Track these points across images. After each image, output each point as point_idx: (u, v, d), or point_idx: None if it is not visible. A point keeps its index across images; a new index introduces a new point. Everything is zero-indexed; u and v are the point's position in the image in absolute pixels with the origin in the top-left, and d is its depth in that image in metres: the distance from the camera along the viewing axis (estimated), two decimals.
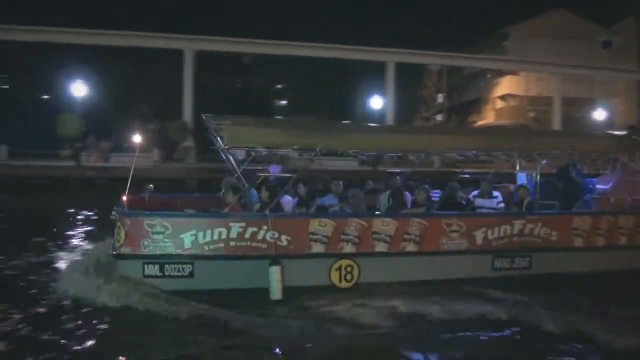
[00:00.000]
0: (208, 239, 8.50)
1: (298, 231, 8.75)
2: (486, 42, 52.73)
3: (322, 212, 9.44)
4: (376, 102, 51.63)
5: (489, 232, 9.47)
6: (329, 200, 10.32)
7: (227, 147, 8.75)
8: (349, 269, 8.93)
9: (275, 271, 8.26)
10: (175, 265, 8.49)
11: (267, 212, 8.66)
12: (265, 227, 8.58)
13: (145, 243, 8.39)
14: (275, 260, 8.32)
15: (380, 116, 50.75)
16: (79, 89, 46.54)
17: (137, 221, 8.44)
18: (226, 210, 8.81)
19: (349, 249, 8.91)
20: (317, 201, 10.20)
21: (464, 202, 10.00)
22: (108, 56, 50.46)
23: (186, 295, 8.31)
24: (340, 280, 8.92)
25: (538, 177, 10.95)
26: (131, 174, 9.59)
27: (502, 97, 53.12)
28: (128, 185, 9.61)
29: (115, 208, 8.78)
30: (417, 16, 59.93)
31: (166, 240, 8.42)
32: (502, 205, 10.85)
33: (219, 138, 8.83)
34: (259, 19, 57.41)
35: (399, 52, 47.47)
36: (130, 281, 8.46)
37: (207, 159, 31.25)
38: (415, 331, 7.66)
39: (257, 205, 9.08)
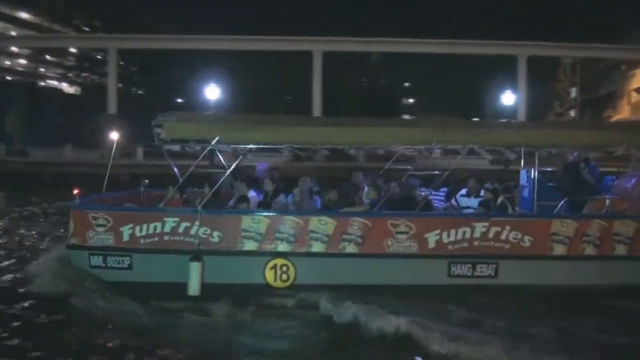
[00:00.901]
0: (144, 232, 8.69)
1: (230, 227, 8.63)
2: (620, 32, 47.67)
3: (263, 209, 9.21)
4: (508, 98, 49.33)
5: (444, 234, 8.58)
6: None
7: (163, 141, 8.90)
8: (284, 268, 8.62)
9: (195, 267, 8.23)
10: (116, 258, 8.77)
11: (199, 207, 8.66)
12: (197, 223, 8.58)
13: (90, 235, 8.78)
14: (196, 256, 8.29)
15: (512, 112, 48.55)
16: (212, 91, 49.77)
17: (83, 214, 8.86)
18: (162, 205, 8.94)
19: (283, 247, 8.60)
20: (281, 197, 9.94)
21: (419, 200, 9.14)
22: (240, 60, 53.40)
23: (125, 286, 8.65)
24: (275, 280, 8.65)
25: (536, 174, 9.78)
26: (108, 170, 10.12)
27: (638, 90, 47.68)
28: (105, 180, 10.16)
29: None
30: (547, 6, 55.72)
31: (107, 232, 8.74)
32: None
33: (157, 133, 8.97)
34: (384, 17, 57.02)
35: (530, 45, 44.95)
36: (75, 272, 8.93)
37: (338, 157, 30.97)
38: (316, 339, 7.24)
39: (198, 200, 9.09)
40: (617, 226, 8.75)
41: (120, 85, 47.22)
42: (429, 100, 62.29)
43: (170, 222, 8.64)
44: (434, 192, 11.18)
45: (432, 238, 8.57)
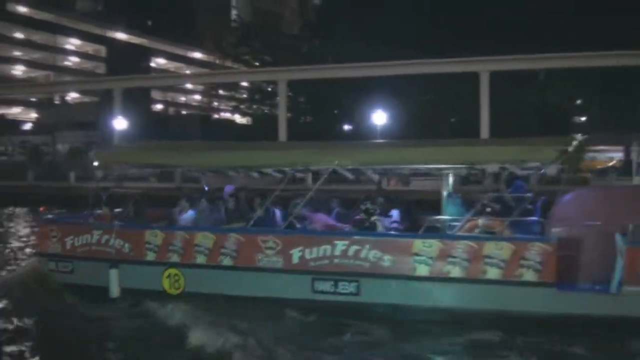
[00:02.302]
0: (80, 242, 10.41)
1: (137, 240, 9.93)
2: None
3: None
4: None
5: (307, 251, 8.83)
6: None
7: (96, 167, 10.59)
8: (176, 277, 9.64)
9: (113, 273, 9.70)
10: (63, 263, 10.62)
11: (116, 222, 10.11)
12: (114, 236, 10.04)
13: (48, 244, 10.77)
14: (114, 264, 9.74)
15: None
16: (379, 117, 51.07)
17: (45, 226, 10.92)
18: (90, 220, 10.58)
19: (175, 258, 9.64)
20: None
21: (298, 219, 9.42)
22: (405, 84, 54.11)
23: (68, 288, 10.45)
24: (170, 288, 9.70)
25: (445, 192, 9.52)
26: (92, 192, 12.14)
27: None
28: (91, 199, 12.15)
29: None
30: None
31: (58, 243, 10.64)
32: (395, 225, 9.64)
33: (92, 161, 10.67)
34: (551, 31, 53.22)
35: None
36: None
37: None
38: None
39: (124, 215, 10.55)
40: (489, 248, 8.14)
41: (289, 114, 50.09)
42: (605, 117, 56.24)
43: (96, 234, 10.24)
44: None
45: (295, 254, 8.90)
